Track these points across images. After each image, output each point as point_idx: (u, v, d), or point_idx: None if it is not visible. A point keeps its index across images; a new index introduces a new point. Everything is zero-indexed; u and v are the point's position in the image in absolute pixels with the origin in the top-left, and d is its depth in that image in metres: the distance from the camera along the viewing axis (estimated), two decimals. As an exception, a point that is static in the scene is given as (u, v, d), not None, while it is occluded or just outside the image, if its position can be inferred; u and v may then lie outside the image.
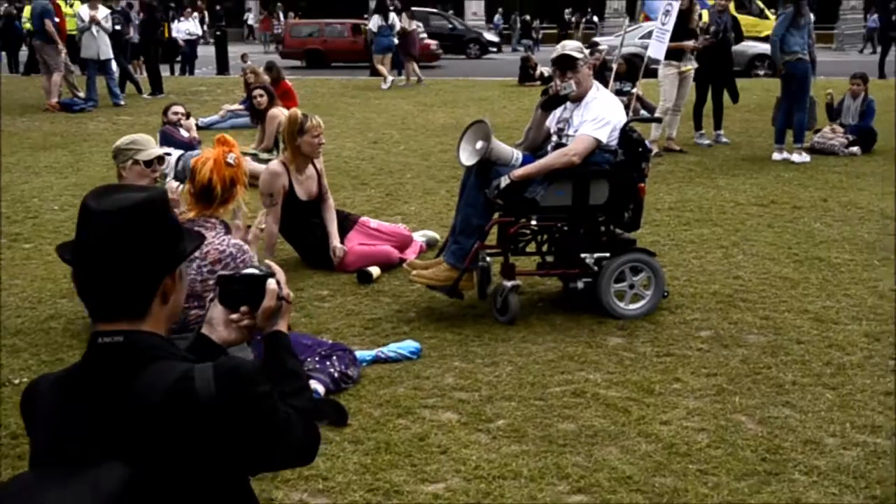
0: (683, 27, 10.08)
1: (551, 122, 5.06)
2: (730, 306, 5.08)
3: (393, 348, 4.40)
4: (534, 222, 4.79)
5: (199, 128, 12.78)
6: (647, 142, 4.88)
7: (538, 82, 18.72)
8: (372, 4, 20.26)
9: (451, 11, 39.01)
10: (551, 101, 4.91)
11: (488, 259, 5.16)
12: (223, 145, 3.69)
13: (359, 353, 4.29)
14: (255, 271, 2.03)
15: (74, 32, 16.92)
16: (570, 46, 4.90)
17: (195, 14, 26.11)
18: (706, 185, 8.54)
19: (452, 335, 4.67)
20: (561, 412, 3.75)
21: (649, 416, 3.71)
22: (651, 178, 5.69)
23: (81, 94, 15.59)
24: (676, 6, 9.93)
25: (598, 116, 4.76)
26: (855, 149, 10.25)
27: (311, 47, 27.59)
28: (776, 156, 9.90)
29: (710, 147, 10.79)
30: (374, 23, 19.07)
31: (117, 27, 16.43)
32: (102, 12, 15.56)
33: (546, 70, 19.42)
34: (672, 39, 10.04)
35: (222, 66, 23.21)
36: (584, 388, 4.00)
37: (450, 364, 4.31)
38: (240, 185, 3.73)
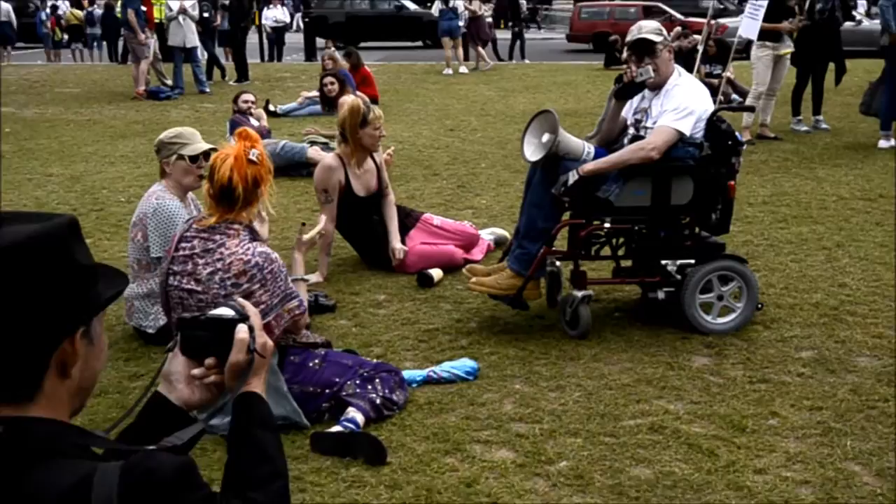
0: (780, 5, 9.31)
1: (627, 112, 4.52)
2: (835, 321, 4.46)
3: (447, 368, 3.94)
4: (607, 225, 4.26)
5: (277, 115, 12.61)
6: (738, 134, 4.28)
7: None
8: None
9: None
10: (626, 90, 4.36)
11: (558, 263, 4.65)
12: (245, 140, 3.27)
13: (408, 374, 3.85)
14: (225, 312, 1.60)
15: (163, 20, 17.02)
16: (648, 28, 4.33)
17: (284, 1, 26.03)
18: (804, 176, 7.82)
19: (515, 351, 4.19)
20: (634, 453, 3.23)
21: (741, 461, 3.15)
22: (743, 168, 5.09)
23: (169, 82, 15.60)
24: None
25: (679, 105, 4.19)
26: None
27: (601, 30, 26.59)
28: (883, 143, 9.07)
29: (808, 134, 10.00)
30: (436, 6, 18.65)
31: (205, 14, 16.40)
32: (190, 0, 15.50)
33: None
34: (767, 19, 9.28)
35: (310, 52, 23.12)
36: (662, 421, 3.47)
37: (510, 387, 3.83)
38: (265, 184, 3.31)
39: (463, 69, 18.24)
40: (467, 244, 5.67)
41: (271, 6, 23.74)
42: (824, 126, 10.25)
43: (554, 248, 4.38)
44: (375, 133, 5.27)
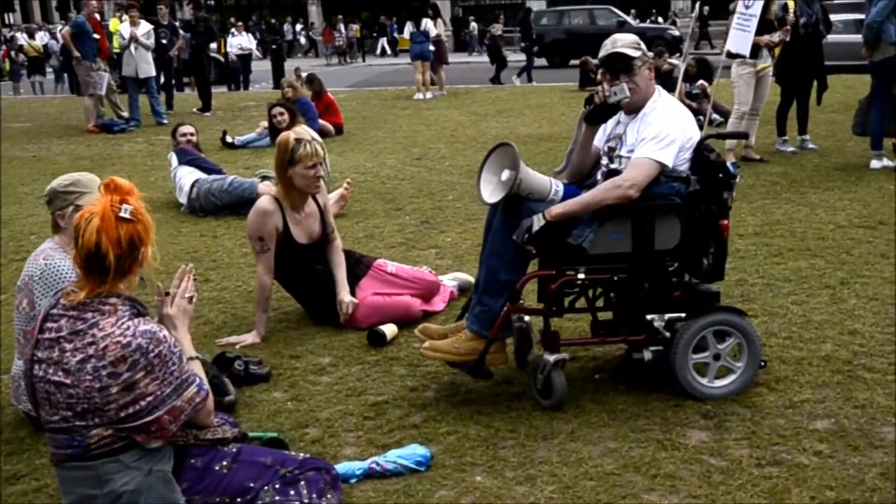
0: (760, 19, 8.75)
1: (600, 139, 3.88)
2: (851, 378, 3.82)
3: (394, 457, 3.26)
4: (581, 276, 3.61)
5: (234, 146, 11.95)
6: (729, 165, 3.65)
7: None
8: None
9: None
10: (598, 113, 3.72)
11: (526, 318, 4.00)
12: (113, 192, 2.60)
13: (345, 467, 3.17)
14: None
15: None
16: (623, 41, 3.69)
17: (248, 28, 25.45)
18: (796, 201, 7.22)
19: (477, 430, 3.51)
20: (620, 575, 2.57)
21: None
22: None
23: (125, 115, 14.94)
24: None
25: (660, 133, 3.56)
26: (970, 151, 8.80)
27: None
28: (875, 164, 8.49)
29: (794, 155, 9.44)
30: (407, 29, 18.16)
31: (163, 41, 15.75)
32: (143, 28, 14.88)
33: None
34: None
35: (278, 80, 22.52)
36: (654, 525, 2.80)
37: (469, 480, 3.15)
38: (146, 245, 2.64)
39: (429, 94, 17.71)
40: (426, 293, 5.01)
41: (236, 33, 23.18)
42: (811, 146, 9.70)
43: (520, 305, 3.73)
44: (309, 173, 4.60)
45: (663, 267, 3.69)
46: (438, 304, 5.03)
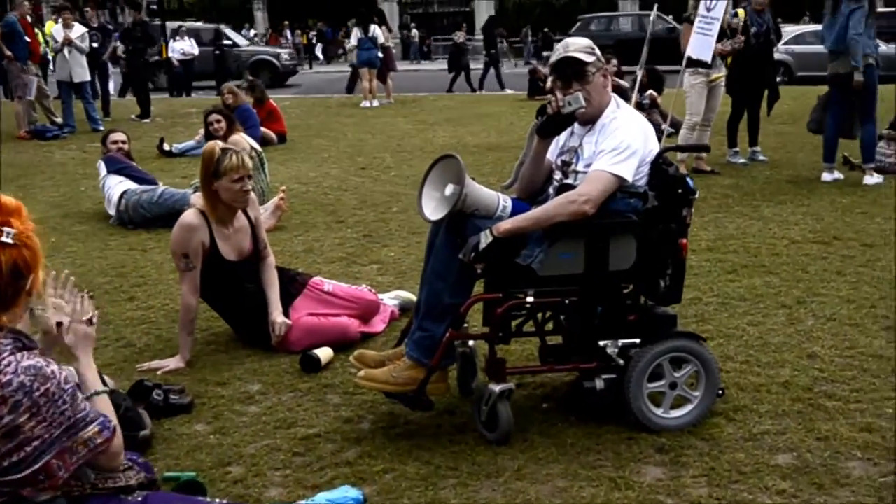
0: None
1: (553, 153, 3.62)
2: (812, 408, 3.60)
3: (322, 501, 2.95)
4: (530, 299, 3.34)
5: (172, 154, 11.52)
6: (689, 179, 3.42)
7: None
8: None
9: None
10: (551, 124, 3.45)
11: (471, 343, 3.72)
12: (-7, 214, 2.26)
13: (267, 513, 2.87)
14: None
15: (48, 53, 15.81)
16: (576, 46, 3.43)
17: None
18: (749, 215, 7.06)
19: (416, 467, 3.22)
20: None
21: None
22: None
23: (59, 120, 14.38)
24: None
25: (619, 144, 3.31)
26: (920, 165, 8.76)
27: None
28: (826, 176, 8.39)
29: (745, 166, 9.34)
30: (355, 35, 17.77)
31: (94, 44, 15.21)
32: (77, 31, 14.34)
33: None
34: (702, 41, 8.58)
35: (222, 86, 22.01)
36: (608, 580, 2.54)
37: (405, 526, 2.86)
38: (36, 272, 2.31)
39: (375, 102, 17.42)
40: (365, 313, 4.71)
41: (178, 38, 22.62)
42: (762, 157, 9.60)
43: (463, 330, 3.45)
44: (235, 186, 4.28)
45: (617, 289, 3.45)
46: (378, 324, 4.74)
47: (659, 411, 3.44)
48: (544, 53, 36.30)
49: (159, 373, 4.21)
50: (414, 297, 4.89)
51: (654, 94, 12.05)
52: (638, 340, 3.42)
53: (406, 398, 3.40)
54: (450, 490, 3.06)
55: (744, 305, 4.89)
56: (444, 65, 25.86)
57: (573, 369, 3.60)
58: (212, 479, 3.17)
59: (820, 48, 8.82)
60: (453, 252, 3.31)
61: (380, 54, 17.80)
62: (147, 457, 3.27)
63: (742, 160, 9.47)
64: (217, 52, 24.78)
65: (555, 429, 3.49)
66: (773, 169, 9.17)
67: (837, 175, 8.37)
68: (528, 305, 3.38)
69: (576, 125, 3.53)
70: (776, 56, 20.96)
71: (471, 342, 3.72)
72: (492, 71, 21.95)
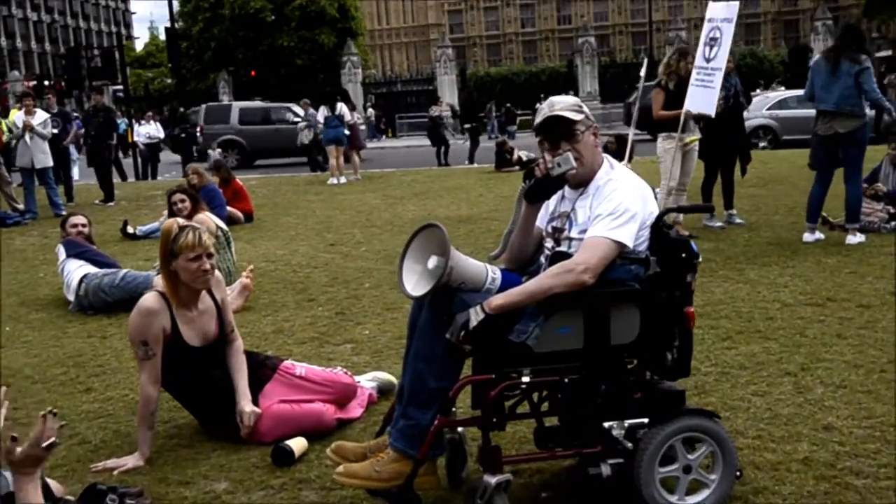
0: (685, 91, 8.53)
1: (542, 220, 3.34)
2: (840, 487, 3.28)
3: None
4: (526, 379, 3.02)
5: (136, 237, 11.17)
6: (693, 244, 3.14)
7: (517, 168, 17.22)
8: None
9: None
10: (540, 188, 3.17)
11: (460, 429, 3.38)
12: None
13: None
14: None
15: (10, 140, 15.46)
16: (563, 104, 3.18)
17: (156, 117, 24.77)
18: (734, 279, 6.82)
19: (406, 574, 2.85)
20: None
21: None
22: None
23: (21, 207, 13.99)
24: (730, 30, 8.03)
25: (618, 208, 3.04)
26: (897, 224, 8.63)
27: None
28: (808, 237, 8.21)
29: (723, 230, 9.15)
30: (321, 113, 17.66)
31: (55, 130, 14.92)
32: (39, 117, 14.05)
33: (525, 154, 17.95)
34: (671, 106, 8.47)
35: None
36: None
37: None
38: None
39: (343, 179, 17.22)
40: (341, 398, 4.35)
41: (144, 122, 22.47)
42: (738, 220, 9.43)
43: (452, 417, 3.12)
44: (192, 266, 3.94)
45: (621, 364, 3.14)
46: (355, 409, 4.38)
47: (673, 498, 3.10)
48: (508, 128, 36.66)
49: (116, 472, 3.81)
50: (393, 378, 4.57)
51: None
52: (646, 420, 3.10)
53: (391, 495, 3.04)
54: None
55: (745, 374, 4.60)
56: (410, 141, 26.02)
57: (576, 455, 3.25)
58: None
59: (804, 112, 8.61)
60: (439, 331, 2.99)
61: (346, 132, 17.69)
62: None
63: (719, 224, 9.30)
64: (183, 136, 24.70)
65: (558, 523, 3.14)
66: (751, 232, 9.00)
67: (819, 235, 8.19)
68: (523, 386, 3.05)
69: (566, 189, 3.26)
70: (762, 121, 21.46)
71: (460, 429, 3.37)
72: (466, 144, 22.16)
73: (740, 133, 9.35)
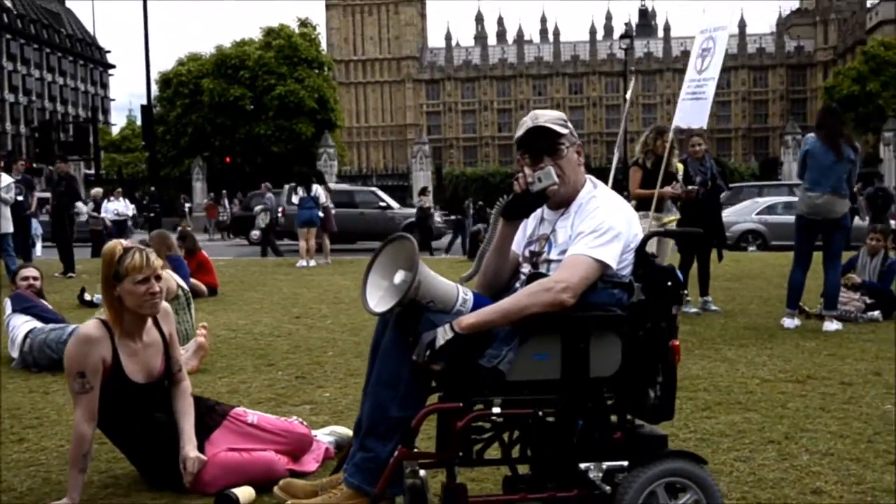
0: (657, 170, 8.46)
1: (518, 244, 3.13)
2: (834, 549, 3.01)
3: None
4: (496, 409, 2.75)
5: (94, 304, 10.81)
6: (678, 271, 2.94)
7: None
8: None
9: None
10: (518, 205, 2.97)
11: (422, 473, 3.07)
12: None
13: None
14: None
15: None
16: (547, 117, 3.00)
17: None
18: (711, 357, 6.61)
19: None
20: None
21: None
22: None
23: (-23, 277, 13.58)
24: (724, 37, 7.76)
25: (600, 226, 2.84)
26: (875, 313, 8.51)
27: None
28: (788, 322, 8.04)
29: (698, 315, 8.97)
30: (296, 196, 17.52)
31: (18, 197, 14.60)
32: (3, 181, 13.75)
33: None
34: (649, 185, 8.38)
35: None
36: None
37: None
38: None
39: (312, 262, 16.97)
40: (295, 449, 4.02)
41: (112, 199, 22.25)
42: (714, 308, 9.27)
43: (415, 450, 2.82)
44: (139, 289, 3.65)
45: (601, 399, 2.88)
46: (310, 463, 4.04)
47: (655, 551, 2.80)
48: (480, 225, 36.83)
49: (40, 519, 3.44)
50: (350, 433, 4.25)
51: None
52: (626, 463, 2.83)
53: (343, 536, 2.72)
54: None
55: (726, 441, 4.33)
56: (382, 233, 25.87)
57: (549, 499, 2.95)
58: None
59: (793, 218, 8.34)
60: (403, 354, 2.74)
61: (320, 213, 17.56)
62: None
63: (694, 309, 9.13)
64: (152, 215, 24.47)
65: (528, 576, 2.82)
66: (727, 318, 8.82)
67: (798, 322, 8.03)
68: (494, 418, 2.78)
69: (545, 211, 3.06)
70: (750, 226, 21.68)
71: (422, 472, 3.06)
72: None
73: (717, 218, 9.27)
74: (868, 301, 8.62)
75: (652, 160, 8.40)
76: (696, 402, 5.13)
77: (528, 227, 3.10)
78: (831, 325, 7.79)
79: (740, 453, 4.13)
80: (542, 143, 2.94)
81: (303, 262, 16.96)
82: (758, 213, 22.46)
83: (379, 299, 2.79)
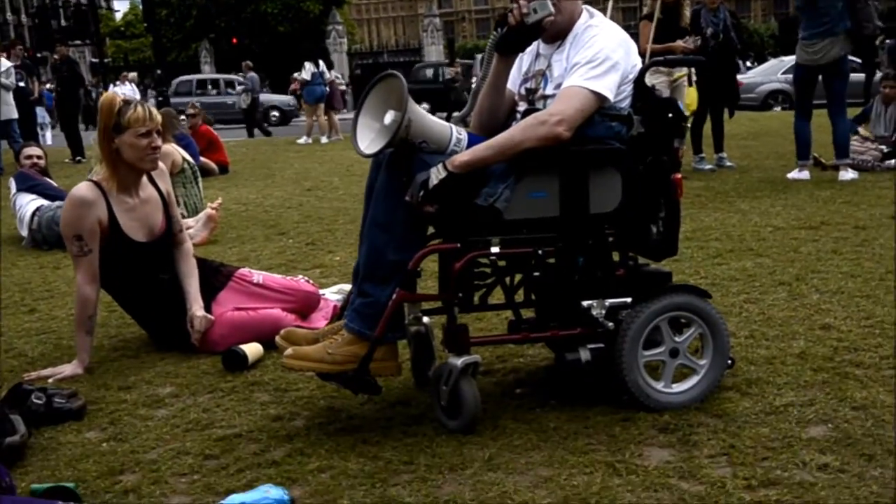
0: (673, 24, 8.19)
1: (514, 82, 3.01)
2: (840, 377, 2.99)
3: (237, 502, 2.26)
4: (495, 249, 2.69)
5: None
6: (680, 103, 2.82)
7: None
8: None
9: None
10: (512, 38, 2.82)
11: (426, 319, 3.06)
12: None
13: (160, 522, 2.16)
14: None
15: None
16: (542, -57, 2.83)
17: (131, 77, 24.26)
18: (725, 210, 6.52)
19: (360, 464, 2.54)
20: None
21: None
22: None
23: (-14, 162, 13.55)
24: None
25: (597, 55, 2.70)
26: (892, 162, 8.34)
27: None
28: (793, 174, 7.90)
29: (713, 172, 8.83)
30: (308, 70, 17.19)
31: (20, 83, 14.40)
32: (2, 66, 13.54)
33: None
34: (660, 39, 8.10)
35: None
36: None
37: (344, 532, 2.18)
38: None
39: (324, 139, 16.84)
40: (302, 307, 4.02)
41: (119, 83, 22.01)
42: (729, 164, 9.12)
43: (416, 293, 2.79)
44: (141, 142, 3.60)
45: (602, 236, 2.81)
46: (318, 320, 4.04)
47: (659, 385, 2.80)
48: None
49: (51, 381, 3.48)
50: (359, 291, 4.24)
51: None
52: (629, 300, 2.79)
53: (345, 379, 2.72)
54: (403, 487, 2.38)
55: (737, 285, 4.30)
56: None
57: (552, 338, 2.94)
58: (95, 491, 2.46)
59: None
60: (397, 196, 2.66)
61: (327, 89, 17.32)
62: (16, 468, 2.57)
63: (709, 166, 8.99)
64: (160, 99, 24.15)
65: (532, 413, 2.83)
66: (741, 174, 8.69)
67: (807, 174, 7.88)
68: (492, 258, 2.74)
69: (541, 45, 2.92)
70: (777, 85, 21.14)
71: (426, 319, 3.05)
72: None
73: (730, 73, 9.00)
74: (885, 150, 8.44)
75: (663, 9, 8.08)
76: (706, 251, 5.07)
77: (523, 63, 2.97)
78: (846, 175, 7.65)
79: (750, 295, 4.10)
80: None
81: (310, 139, 16.84)
82: (783, 73, 21.79)
83: (370, 141, 2.70)
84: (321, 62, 17.40)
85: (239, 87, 21.67)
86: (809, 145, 7.93)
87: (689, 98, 8.41)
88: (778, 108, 21.16)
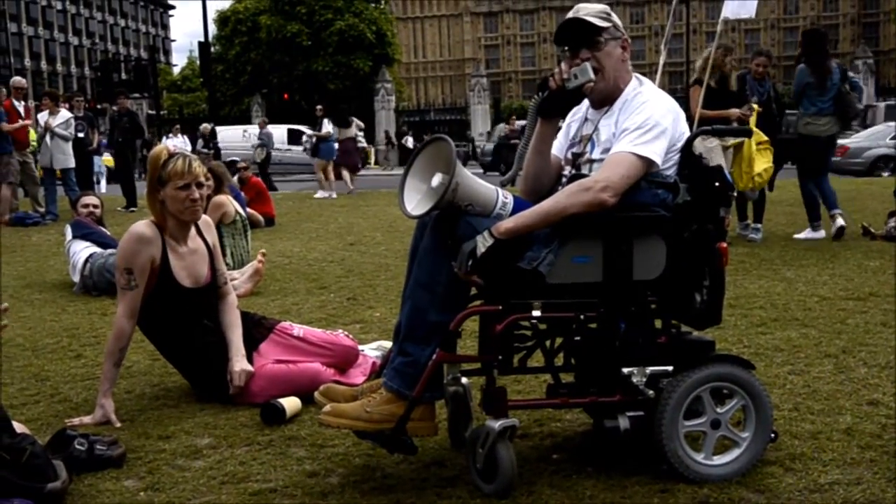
0: (723, 89, 8.19)
1: (561, 148, 3.03)
2: (889, 455, 2.91)
3: (267, 560, 2.25)
4: (537, 313, 2.69)
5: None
6: (727, 171, 2.82)
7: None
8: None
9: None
10: (553, 101, 2.85)
11: (465, 380, 3.05)
12: None
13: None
14: None
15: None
16: (588, 9, 2.87)
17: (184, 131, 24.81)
18: (769, 277, 6.45)
19: (394, 524, 2.52)
20: None
21: None
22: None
23: (42, 209, 13.89)
24: None
25: (646, 122, 2.72)
26: (942, 234, 8.21)
27: None
28: (801, 235, 8.70)
29: (756, 242, 8.74)
30: (327, 127, 17.74)
31: (80, 134, 14.79)
32: (61, 117, 13.93)
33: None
34: (712, 106, 8.09)
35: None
36: None
37: None
38: None
39: (318, 194, 17.42)
40: (341, 361, 4.04)
41: (171, 136, 22.52)
42: (752, 235, 8.88)
43: (456, 353, 2.79)
44: (181, 194, 3.68)
45: (644, 303, 2.80)
46: (357, 376, 4.05)
47: (699, 456, 2.75)
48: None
49: (84, 421, 3.52)
50: (399, 348, 4.24)
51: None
52: (670, 368, 2.76)
53: (382, 438, 2.72)
54: (436, 551, 2.36)
55: (781, 356, 4.23)
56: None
57: (591, 404, 2.91)
58: (132, 542, 2.47)
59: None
60: (442, 257, 2.68)
61: (336, 146, 17.89)
62: (55, 515, 2.59)
63: (757, 236, 8.89)
64: (212, 151, 24.70)
65: (569, 480, 2.79)
66: (787, 241, 8.61)
67: (821, 233, 8.50)
68: (533, 321, 2.73)
69: (589, 110, 2.95)
70: (884, 151, 20.78)
71: (464, 380, 3.05)
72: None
73: (774, 143, 8.95)
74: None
75: (717, 78, 8.09)
76: (750, 319, 5.01)
77: (570, 129, 3.00)
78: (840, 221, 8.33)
79: (795, 367, 4.03)
80: (577, 37, 2.81)
81: (323, 194, 17.27)
82: (892, 138, 20.84)
83: (417, 202, 2.73)
84: (360, 122, 18.01)
85: (255, 142, 22.49)
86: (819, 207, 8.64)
87: (760, 166, 8.17)
88: (886, 174, 20.14)
